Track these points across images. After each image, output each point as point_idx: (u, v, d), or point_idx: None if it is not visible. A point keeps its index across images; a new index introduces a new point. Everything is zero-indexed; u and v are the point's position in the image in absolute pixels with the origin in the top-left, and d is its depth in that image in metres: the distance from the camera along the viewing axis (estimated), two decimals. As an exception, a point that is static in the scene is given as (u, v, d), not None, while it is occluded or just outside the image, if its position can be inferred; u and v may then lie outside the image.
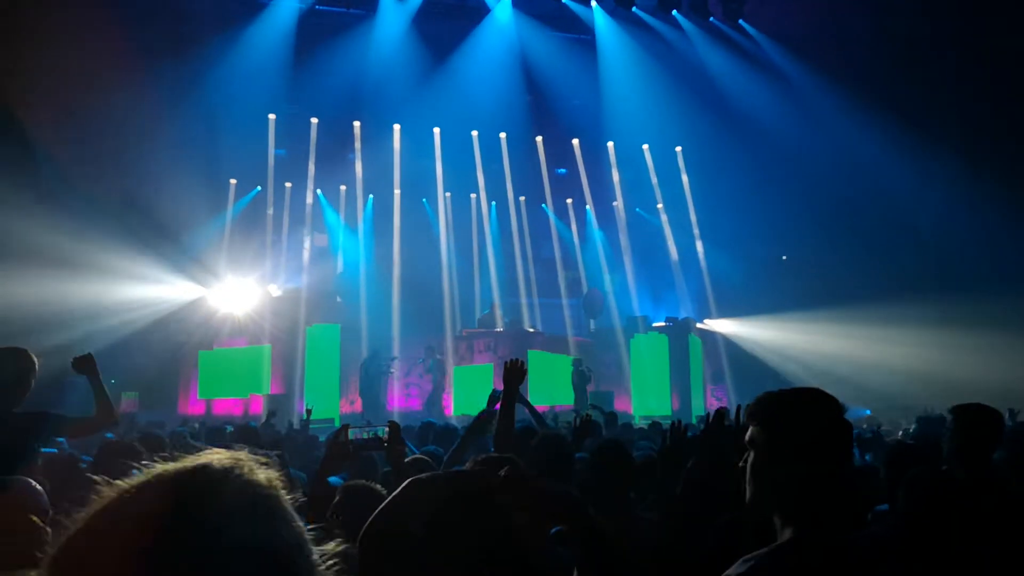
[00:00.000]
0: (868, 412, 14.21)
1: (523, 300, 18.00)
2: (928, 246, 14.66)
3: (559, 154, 19.40)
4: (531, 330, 16.37)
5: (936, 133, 14.13)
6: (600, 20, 17.75)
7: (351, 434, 2.65)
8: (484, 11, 17.51)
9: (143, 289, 13.85)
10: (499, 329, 15.76)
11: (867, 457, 5.50)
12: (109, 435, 6.98)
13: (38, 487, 2.06)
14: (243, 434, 5.58)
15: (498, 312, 16.22)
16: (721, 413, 2.66)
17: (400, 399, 15.40)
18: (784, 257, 16.68)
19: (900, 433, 7.51)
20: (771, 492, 1.65)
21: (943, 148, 13.98)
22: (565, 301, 18.66)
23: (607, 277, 19.21)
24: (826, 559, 1.55)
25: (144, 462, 0.80)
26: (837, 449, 1.64)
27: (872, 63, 15.35)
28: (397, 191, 18.24)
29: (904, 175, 14.55)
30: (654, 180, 19.33)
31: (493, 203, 19.48)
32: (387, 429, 2.71)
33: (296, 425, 8.98)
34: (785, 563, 1.56)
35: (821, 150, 16.04)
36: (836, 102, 15.44)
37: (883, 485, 3.42)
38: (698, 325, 18.00)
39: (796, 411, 1.68)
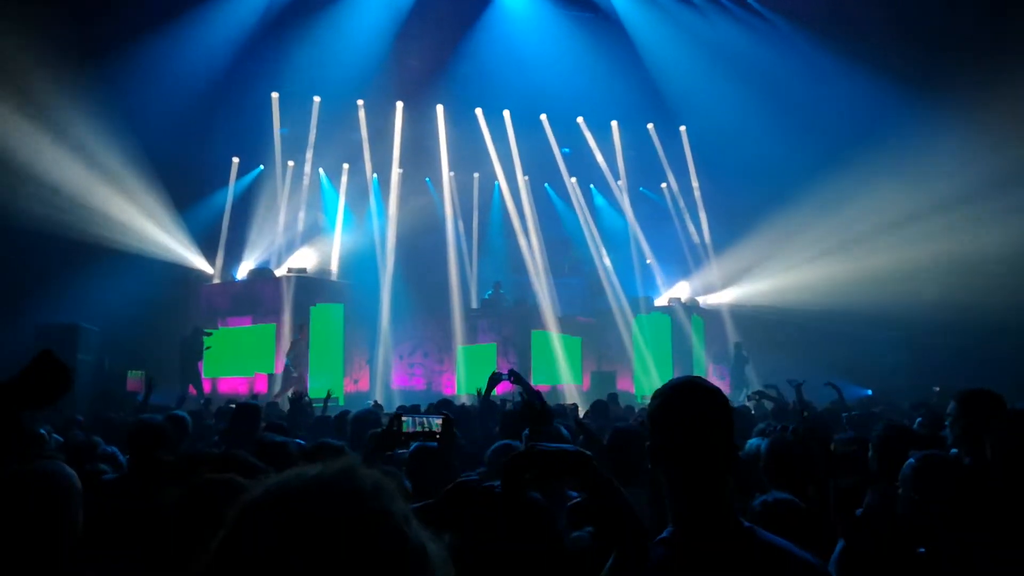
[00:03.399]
0: (869, 392, 14.21)
1: (529, 279, 17.99)
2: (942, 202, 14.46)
3: (563, 133, 19.27)
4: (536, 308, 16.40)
5: (952, 92, 13.97)
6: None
7: (404, 425, 2.67)
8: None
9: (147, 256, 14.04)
10: (502, 308, 15.82)
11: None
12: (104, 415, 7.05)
13: (71, 471, 2.06)
14: (244, 413, 5.18)
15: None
16: None
17: (403, 378, 15.51)
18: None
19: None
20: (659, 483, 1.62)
21: (957, 106, 13.84)
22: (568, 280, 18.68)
23: (609, 256, 19.22)
24: (689, 560, 1.51)
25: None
26: (695, 445, 1.55)
27: (883, 31, 15.25)
28: (399, 170, 18.21)
29: (919, 133, 14.43)
30: (663, 158, 19.30)
31: (496, 183, 19.44)
32: (439, 421, 2.74)
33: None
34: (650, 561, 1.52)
35: (833, 117, 15.87)
36: (848, 70, 15.30)
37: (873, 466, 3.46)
38: (702, 304, 18.04)
39: (659, 406, 1.61)
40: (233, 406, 6.87)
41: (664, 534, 1.58)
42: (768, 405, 7.84)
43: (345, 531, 0.76)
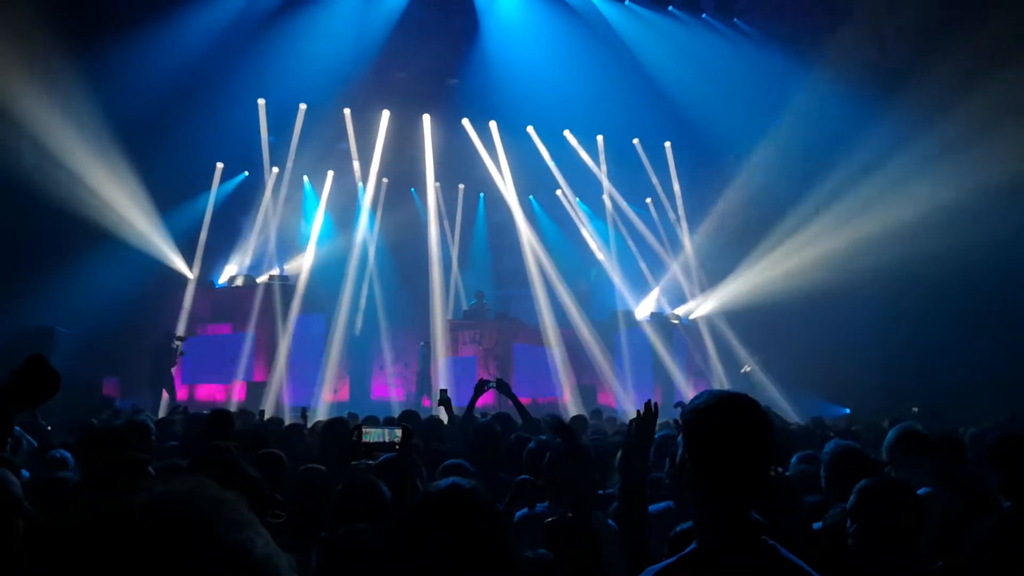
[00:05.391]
0: (847, 411, 14.26)
1: (513, 291, 17.97)
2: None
3: (548, 146, 19.30)
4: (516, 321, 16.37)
5: (945, 117, 14.14)
6: (605, 10, 17.53)
7: (365, 435, 2.69)
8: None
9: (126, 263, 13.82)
10: (484, 320, 15.77)
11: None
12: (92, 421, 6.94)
13: (10, 477, 1.97)
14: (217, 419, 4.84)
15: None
16: (648, 404, 2.61)
17: (383, 389, 15.41)
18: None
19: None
20: (690, 500, 1.61)
21: (949, 132, 14.02)
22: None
23: (593, 270, 19.26)
24: (722, 571, 1.51)
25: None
26: (731, 461, 1.54)
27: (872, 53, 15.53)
28: (384, 179, 18.16)
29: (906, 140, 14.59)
30: (650, 172, 19.39)
31: (481, 194, 19.43)
32: (400, 432, 2.74)
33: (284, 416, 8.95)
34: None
35: (820, 140, 16.05)
36: (838, 94, 15.51)
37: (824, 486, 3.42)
38: (683, 318, 18.09)
39: (695, 419, 1.58)
40: (206, 412, 6.78)
41: (688, 550, 1.57)
42: None
43: (167, 558, 0.73)
